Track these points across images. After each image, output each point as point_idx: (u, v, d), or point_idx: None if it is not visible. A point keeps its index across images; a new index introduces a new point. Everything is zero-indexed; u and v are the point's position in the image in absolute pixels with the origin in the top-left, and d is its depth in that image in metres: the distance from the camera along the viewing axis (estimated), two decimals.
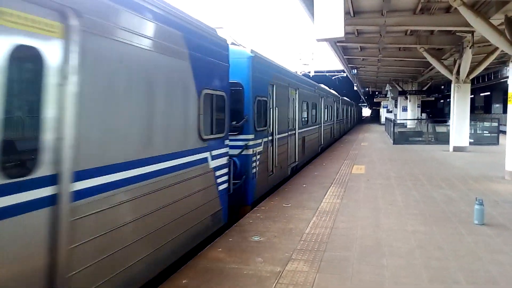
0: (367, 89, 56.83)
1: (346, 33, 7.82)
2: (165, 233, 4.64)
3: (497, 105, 42.39)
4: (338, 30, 7.35)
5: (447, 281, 4.64)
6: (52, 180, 3.03)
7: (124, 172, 3.84)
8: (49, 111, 3.01)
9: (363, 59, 25.47)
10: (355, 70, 29.40)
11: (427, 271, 4.90)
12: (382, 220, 7.15)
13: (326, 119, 20.14)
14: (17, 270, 2.80)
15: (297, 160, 12.62)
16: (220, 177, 6.33)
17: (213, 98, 6.06)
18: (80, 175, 3.27)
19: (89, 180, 3.39)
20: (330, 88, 25.34)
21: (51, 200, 3.03)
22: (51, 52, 3.03)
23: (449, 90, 19.58)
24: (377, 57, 22.24)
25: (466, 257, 5.37)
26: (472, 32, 14.79)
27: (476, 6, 12.01)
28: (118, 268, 3.80)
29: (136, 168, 4.04)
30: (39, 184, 2.93)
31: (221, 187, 6.37)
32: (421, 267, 5.02)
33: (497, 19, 11.38)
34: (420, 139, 23.84)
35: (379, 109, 63.46)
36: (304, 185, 10.43)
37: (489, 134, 23.18)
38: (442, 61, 19.61)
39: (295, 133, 12.30)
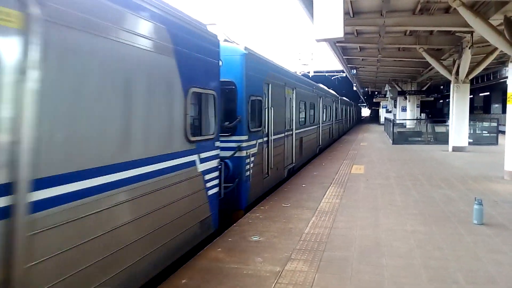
0: (366, 89, 56.82)
1: (345, 34, 7.81)
2: (144, 245, 4.25)
3: (496, 105, 42.40)
4: (337, 31, 7.35)
5: (446, 281, 4.65)
6: (6, 189, 2.67)
7: (95, 178, 3.46)
8: (3, 111, 2.67)
9: (362, 59, 25.48)
10: (355, 70, 29.43)
11: (427, 271, 4.91)
12: (381, 220, 7.16)
13: (324, 119, 19.98)
14: None
15: (294, 161, 12.36)
16: (210, 181, 5.96)
17: (201, 97, 5.74)
18: (40, 184, 2.89)
19: (51, 189, 2.99)
20: (329, 88, 25.33)
21: (5, 212, 2.67)
22: (7, 44, 2.71)
23: (448, 90, 19.60)
24: (376, 57, 22.26)
25: (465, 257, 5.38)
26: (472, 33, 14.80)
27: (476, 7, 12.03)
28: None
29: (110, 174, 3.65)
30: None
31: (211, 192, 6.00)
32: (421, 267, 5.03)
33: (496, 19, 11.39)
34: (419, 139, 23.86)
35: (378, 109, 63.48)
36: (303, 185, 10.43)
37: (488, 134, 23.21)
38: (442, 61, 19.62)
39: (292, 134, 12.06)
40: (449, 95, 19.66)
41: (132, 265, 4.02)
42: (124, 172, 3.86)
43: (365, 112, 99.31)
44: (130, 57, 3.98)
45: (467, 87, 18.60)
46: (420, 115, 40.28)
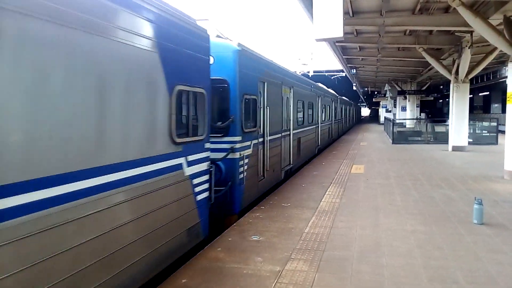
0: (366, 89, 56.85)
1: (345, 33, 7.84)
2: (123, 257, 3.88)
3: (496, 105, 42.42)
4: (337, 30, 7.36)
5: (446, 280, 4.65)
6: None
7: (61, 186, 3.10)
8: None
9: (362, 59, 25.51)
10: (354, 70, 29.47)
11: (426, 271, 4.91)
12: (381, 219, 7.16)
13: (323, 119, 19.75)
14: None
15: (291, 162, 12.04)
16: (199, 185, 5.57)
17: (189, 95, 5.33)
18: None
19: (5, 199, 2.65)
20: (328, 88, 25.30)
21: None
22: None
23: (448, 90, 19.61)
24: (376, 57, 22.26)
25: (465, 257, 5.38)
26: (471, 32, 14.81)
27: (475, 6, 12.03)
28: None
29: (79, 180, 3.29)
30: None
31: (199, 197, 5.61)
32: (420, 267, 5.03)
33: (496, 19, 11.40)
34: (419, 138, 23.88)
35: (378, 109, 63.48)
36: (303, 185, 10.43)
37: (488, 134, 23.22)
38: (441, 61, 19.63)
39: (289, 134, 11.74)
40: (448, 94, 19.67)
41: (108, 280, 3.64)
42: (95, 178, 3.48)
43: (365, 111, 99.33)
44: (104, 51, 3.61)
45: (467, 86, 18.61)
46: (420, 115, 40.33)
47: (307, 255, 5.42)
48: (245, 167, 7.67)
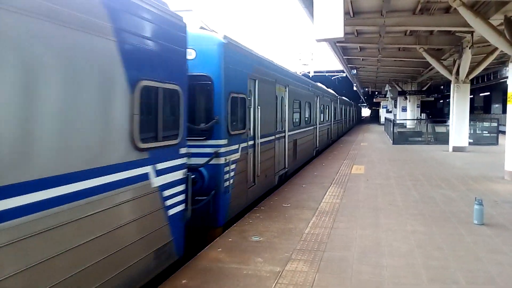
0: (366, 89, 56.90)
1: (345, 34, 7.82)
2: None
3: (497, 105, 42.41)
4: (337, 31, 7.36)
5: (446, 281, 4.65)
6: None
7: None
8: None
9: (362, 59, 25.52)
10: (355, 70, 29.46)
11: (427, 271, 4.90)
12: (381, 220, 7.16)
13: (322, 120, 19.23)
14: None
15: (287, 166, 11.36)
16: (171, 197, 4.79)
17: (158, 92, 4.54)
18: None
19: None
20: (328, 88, 25.26)
21: None
22: None
23: (449, 90, 19.61)
24: (376, 57, 22.28)
25: (465, 257, 5.37)
26: (472, 33, 14.81)
27: (476, 7, 12.03)
28: None
29: None
30: None
31: (172, 211, 4.83)
32: (421, 267, 5.03)
33: (497, 19, 11.41)
34: (420, 139, 23.89)
35: (378, 109, 63.52)
36: (303, 185, 10.43)
37: (488, 134, 23.23)
38: (442, 61, 19.64)
39: (284, 136, 11.08)
40: (449, 95, 19.68)
41: None
42: (21, 196, 2.78)
43: (365, 112, 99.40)
44: (36, 36, 2.91)
45: (467, 87, 18.61)
46: (420, 115, 40.36)
47: (307, 256, 5.42)
48: (232, 173, 6.93)
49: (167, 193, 4.70)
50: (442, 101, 59.53)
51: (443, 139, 21.44)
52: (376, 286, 4.52)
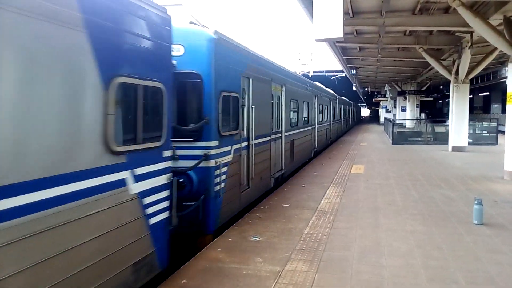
0: (366, 89, 56.93)
1: (345, 34, 7.83)
2: None
3: (496, 105, 42.42)
4: (337, 31, 7.36)
5: (446, 281, 4.65)
6: None
7: None
8: None
9: (362, 59, 25.53)
10: (354, 70, 29.49)
11: (426, 271, 4.91)
12: (381, 220, 7.17)
13: (321, 120, 19.02)
14: None
15: (283, 168, 11.02)
16: (153, 205, 4.43)
17: (138, 90, 4.18)
18: None
19: None
20: (328, 88, 25.25)
21: None
22: None
23: (448, 90, 19.63)
24: (376, 57, 22.28)
25: (465, 257, 5.38)
26: (471, 33, 14.82)
27: (475, 7, 12.05)
28: None
29: None
30: None
31: (154, 219, 4.46)
32: (420, 267, 5.03)
33: (496, 19, 11.41)
34: (419, 139, 23.90)
35: (378, 109, 63.55)
36: (303, 185, 10.44)
37: (488, 134, 23.24)
38: (441, 61, 19.65)
39: (281, 137, 10.79)
40: (448, 95, 19.69)
41: None
42: None
43: (365, 112, 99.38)
44: None
45: (467, 87, 18.63)
46: (420, 115, 40.37)
47: (307, 256, 5.43)
48: (223, 176, 6.57)
49: (148, 200, 4.34)
50: (441, 101, 59.54)
51: (442, 139, 21.46)
52: (376, 286, 4.52)
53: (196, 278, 4.71)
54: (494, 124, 23.27)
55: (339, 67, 32.25)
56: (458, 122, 18.35)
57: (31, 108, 2.89)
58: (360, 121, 72.09)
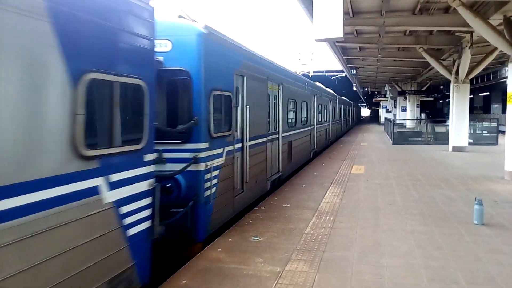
0: (366, 89, 56.97)
1: (345, 33, 7.82)
2: None
3: (496, 105, 42.43)
4: (337, 31, 7.36)
5: (446, 281, 4.65)
6: None
7: None
8: None
9: (362, 59, 25.54)
10: (354, 70, 29.51)
11: (426, 271, 4.91)
12: (381, 220, 7.16)
13: (320, 120, 18.70)
14: None
15: (280, 170, 10.65)
16: (131, 214, 4.01)
17: (114, 87, 3.79)
18: None
19: None
20: (328, 88, 25.22)
21: None
22: None
23: (448, 90, 19.63)
24: (376, 57, 22.29)
25: (465, 257, 5.38)
26: (471, 33, 14.82)
27: (475, 7, 12.05)
28: None
29: None
30: None
31: (133, 230, 4.04)
32: (420, 267, 5.03)
33: (496, 19, 11.41)
34: (419, 139, 23.91)
35: (378, 109, 63.60)
36: (303, 185, 10.44)
37: (488, 134, 23.26)
38: (441, 61, 19.66)
39: (278, 138, 10.49)
40: (449, 95, 19.69)
41: None
42: None
43: (365, 112, 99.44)
44: None
45: (467, 87, 18.63)
46: (420, 115, 40.39)
47: (308, 256, 5.42)
48: (214, 180, 6.18)
49: (125, 209, 3.92)
50: (441, 101, 59.55)
51: (442, 139, 21.47)
52: (376, 286, 4.52)
53: (196, 279, 4.70)
54: (495, 124, 23.28)
55: (339, 67, 32.27)
56: (458, 122, 18.35)
57: None
58: (360, 121, 72.10)
